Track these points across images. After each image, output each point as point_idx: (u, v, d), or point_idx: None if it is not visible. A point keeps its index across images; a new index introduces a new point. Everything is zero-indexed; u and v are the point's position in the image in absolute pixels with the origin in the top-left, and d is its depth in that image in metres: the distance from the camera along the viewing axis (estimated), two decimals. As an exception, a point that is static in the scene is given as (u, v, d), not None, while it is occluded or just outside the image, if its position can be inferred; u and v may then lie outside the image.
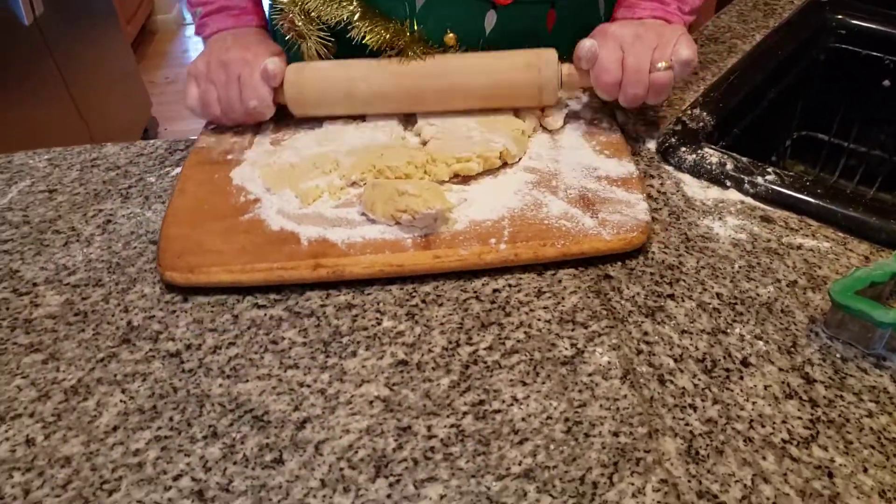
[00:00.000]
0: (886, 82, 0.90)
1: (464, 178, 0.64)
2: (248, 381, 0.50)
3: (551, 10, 0.72)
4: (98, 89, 2.12)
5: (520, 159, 0.66)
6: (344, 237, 0.58)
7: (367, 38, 0.69)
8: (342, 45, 0.72)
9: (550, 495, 0.42)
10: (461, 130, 0.67)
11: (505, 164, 0.65)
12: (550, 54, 0.66)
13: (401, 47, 0.69)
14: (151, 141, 0.76)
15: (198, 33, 0.75)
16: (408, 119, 0.72)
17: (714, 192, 0.64)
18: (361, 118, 0.72)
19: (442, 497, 0.42)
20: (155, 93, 2.66)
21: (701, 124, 0.72)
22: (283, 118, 0.73)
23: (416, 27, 0.70)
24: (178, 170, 0.72)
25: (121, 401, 0.49)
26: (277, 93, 0.69)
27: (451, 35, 0.71)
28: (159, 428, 0.47)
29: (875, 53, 0.89)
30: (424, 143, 0.67)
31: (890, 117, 0.91)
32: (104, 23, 2.21)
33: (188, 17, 3.45)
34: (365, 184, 0.63)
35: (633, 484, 0.42)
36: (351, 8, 0.69)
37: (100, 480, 0.44)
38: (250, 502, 0.42)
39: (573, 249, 0.56)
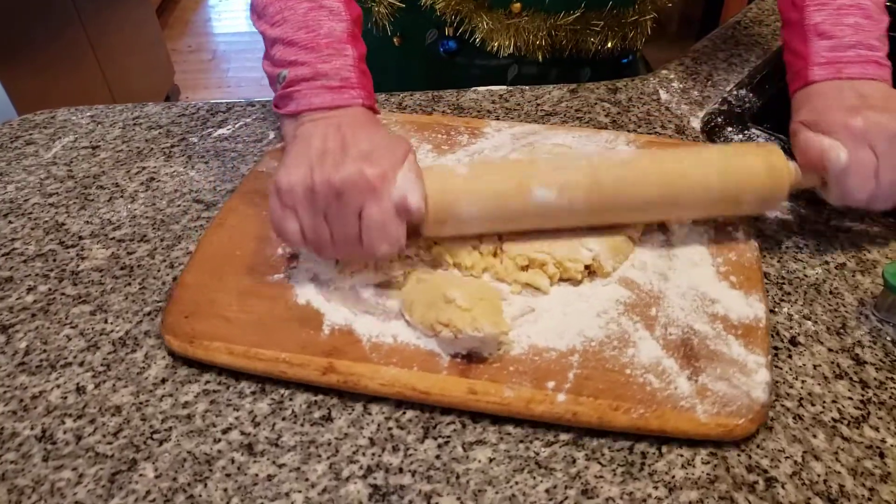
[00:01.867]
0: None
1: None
2: (295, 339, 0.50)
3: None
4: (124, 55, 2.12)
5: (617, 268, 0.52)
6: (372, 332, 0.48)
7: (437, 5, 0.73)
8: (408, 11, 0.74)
9: (599, 463, 0.42)
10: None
11: (593, 274, 0.52)
12: (779, 157, 0.51)
13: (465, 13, 0.72)
14: (193, 102, 0.76)
15: (277, 107, 0.53)
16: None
17: (761, 173, 0.63)
18: None
19: (490, 460, 0.42)
20: (178, 61, 2.66)
21: (747, 105, 0.71)
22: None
23: None
24: (221, 131, 0.72)
25: (168, 354, 0.49)
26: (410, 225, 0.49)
27: (517, 3, 0.73)
28: (207, 382, 0.48)
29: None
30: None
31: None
32: (131, -10, 2.21)
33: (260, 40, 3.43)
34: (418, 258, 0.52)
35: (682, 455, 0.42)
36: None
37: (150, 430, 0.45)
38: (299, 457, 0.43)
39: (651, 424, 0.42)
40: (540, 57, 0.77)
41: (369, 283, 0.51)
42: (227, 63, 2.86)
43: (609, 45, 0.77)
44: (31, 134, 0.72)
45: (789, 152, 0.53)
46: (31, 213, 0.62)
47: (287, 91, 0.52)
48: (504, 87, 0.76)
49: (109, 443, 0.44)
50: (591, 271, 0.51)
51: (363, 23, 0.61)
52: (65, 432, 0.45)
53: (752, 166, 0.51)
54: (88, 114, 0.75)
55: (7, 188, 0.65)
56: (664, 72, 0.78)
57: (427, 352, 0.47)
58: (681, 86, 0.76)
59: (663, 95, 0.75)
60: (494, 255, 0.52)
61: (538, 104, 0.74)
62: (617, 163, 0.52)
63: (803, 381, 0.46)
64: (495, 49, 0.75)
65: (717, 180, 0.50)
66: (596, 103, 0.74)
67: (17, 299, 0.54)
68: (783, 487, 0.40)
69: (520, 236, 0.52)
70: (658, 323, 0.48)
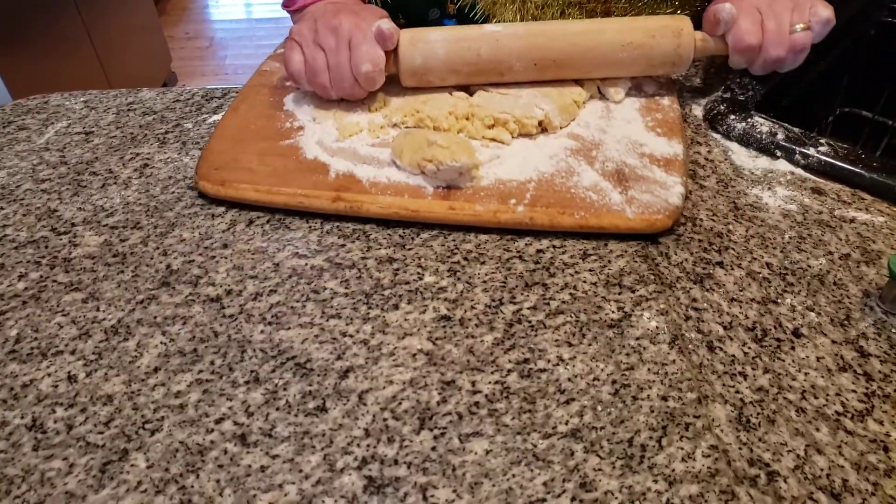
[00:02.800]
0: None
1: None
2: (289, 328, 0.49)
3: None
4: (120, 42, 2.10)
5: (565, 126, 0.64)
6: (370, 175, 0.58)
7: None
8: None
9: (598, 455, 0.41)
10: (512, 89, 0.65)
11: (545, 130, 0.63)
12: (686, 22, 0.63)
13: None
14: (188, 87, 0.75)
15: (286, 5, 0.71)
16: None
17: (763, 162, 0.62)
18: None
19: (487, 452, 0.42)
20: (174, 48, 2.64)
21: (750, 93, 0.70)
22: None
23: None
24: (216, 117, 0.71)
25: (161, 343, 0.49)
26: (388, 60, 0.63)
27: None
28: (200, 371, 0.47)
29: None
30: (471, 94, 0.66)
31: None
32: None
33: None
34: (404, 124, 0.63)
35: (682, 448, 0.41)
36: None
37: (142, 419, 0.44)
38: (293, 448, 0.42)
39: (591, 222, 0.54)
40: None
41: (365, 142, 0.61)
42: (224, 50, 2.84)
43: None
44: (23, 119, 0.71)
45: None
46: (22, 199, 0.61)
47: None
48: None
49: (101, 432, 0.43)
50: (543, 128, 0.63)
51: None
52: (55, 421, 0.44)
53: (663, 27, 0.62)
54: (82, 99, 0.74)
55: (-2, 174, 0.64)
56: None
57: (415, 185, 0.57)
58: (682, 73, 0.75)
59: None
60: (467, 118, 0.63)
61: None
62: (551, 34, 0.63)
63: (806, 374, 0.45)
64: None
65: (631, 39, 0.62)
66: (597, 91, 0.73)
67: (7, 286, 0.53)
68: (785, 482, 0.40)
69: (486, 100, 0.64)
70: (597, 160, 0.59)
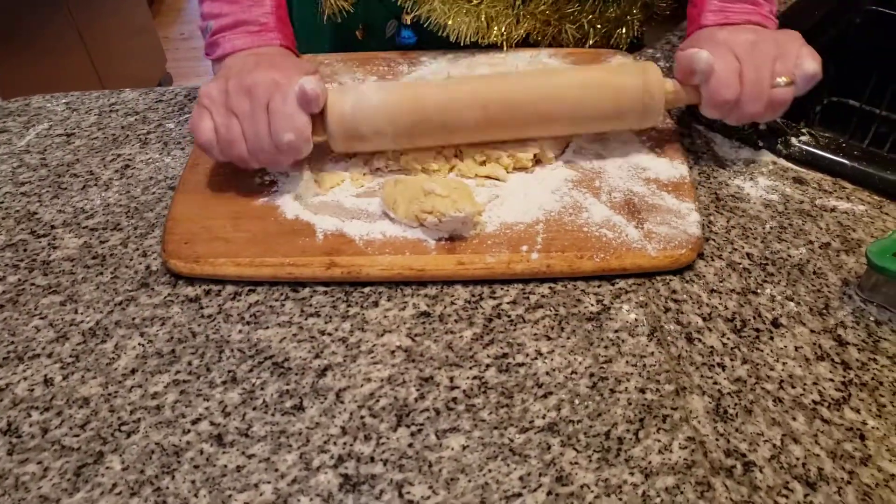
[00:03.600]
0: (926, 46, 0.86)
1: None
2: (268, 327, 0.49)
3: None
4: (113, 43, 2.10)
5: (559, 154, 0.60)
6: (362, 233, 0.53)
7: None
8: (364, 6, 0.71)
9: (575, 449, 0.41)
10: None
11: (540, 162, 0.59)
12: (654, 71, 0.56)
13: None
14: (170, 87, 0.75)
15: (208, 55, 0.61)
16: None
17: (745, 153, 0.62)
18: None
19: (464, 448, 0.41)
20: (169, 48, 2.63)
21: (761, 127, 0.69)
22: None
23: None
24: (197, 117, 0.70)
25: (139, 344, 0.48)
26: (316, 124, 0.55)
27: None
28: (178, 372, 0.47)
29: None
30: None
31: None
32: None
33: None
34: (389, 169, 0.59)
35: (659, 441, 0.41)
36: None
37: (118, 422, 0.44)
38: (270, 448, 0.42)
39: (613, 265, 0.50)
40: (505, 48, 0.71)
41: (349, 193, 0.57)
42: (218, 50, 2.83)
43: (590, 41, 0.73)
44: (4, 122, 0.71)
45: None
46: (1, 202, 0.61)
47: (213, 39, 0.60)
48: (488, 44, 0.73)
49: (76, 435, 0.43)
50: (537, 160, 0.59)
51: (326, 12, 0.70)
52: (30, 425, 0.44)
53: (631, 81, 0.56)
54: (64, 100, 0.74)
55: (-21, 178, 0.64)
56: (650, 51, 0.77)
57: (414, 240, 0.53)
58: (667, 65, 0.74)
59: (649, 75, 0.73)
60: (456, 156, 0.59)
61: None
62: (506, 82, 0.57)
63: (784, 364, 0.45)
64: (454, 36, 0.69)
65: (596, 95, 0.56)
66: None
67: (-14, 290, 0.53)
68: (761, 471, 0.40)
69: (474, 145, 0.59)
70: (602, 191, 0.56)
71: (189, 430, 0.43)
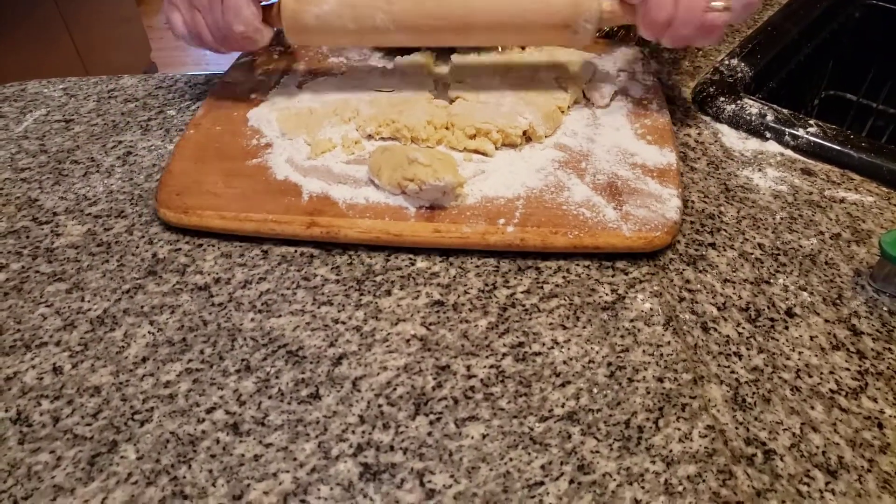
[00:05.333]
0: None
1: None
2: (280, 316, 0.48)
3: None
4: (98, 31, 2.06)
5: (550, 135, 0.60)
6: (346, 196, 0.54)
7: None
8: None
9: (595, 438, 0.41)
10: (493, 97, 0.62)
11: (530, 140, 0.60)
12: None
13: None
14: (170, 74, 0.73)
15: None
16: (439, 73, 0.67)
17: (753, 144, 0.62)
18: (390, 57, 0.69)
19: (484, 436, 0.41)
20: (154, 37, 2.59)
21: (739, 75, 0.70)
22: (319, 55, 0.70)
23: None
24: (199, 104, 0.69)
25: (149, 332, 0.48)
26: (271, 16, 0.58)
27: None
28: (190, 361, 0.46)
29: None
30: (452, 101, 0.63)
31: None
32: (105, -38, 2.14)
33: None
34: (379, 136, 0.60)
35: (679, 429, 0.41)
36: None
37: (131, 411, 0.43)
38: (287, 436, 0.41)
39: (585, 242, 0.51)
40: None
41: (340, 159, 0.58)
42: (206, 40, 2.80)
43: None
44: (0, 107, 0.69)
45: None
46: (1, 188, 0.60)
47: None
48: None
49: (88, 424, 0.42)
50: (528, 137, 0.59)
51: None
52: (41, 414, 0.43)
53: None
54: (61, 86, 0.72)
55: (-24, 163, 0.62)
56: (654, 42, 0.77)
57: (396, 207, 0.53)
58: (671, 56, 0.74)
59: (654, 65, 0.73)
60: (446, 128, 0.59)
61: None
62: None
63: (800, 353, 0.45)
64: None
65: (525, 7, 0.56)
66: (586, 74, 0.72)
67: (-12, 278, 0.52)
68: (782, 460, 0.40)
69: (466, 108, 0.60)
70: (587, 172, 0.56)
71: (204, 420, 0.42)
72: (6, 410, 0.43)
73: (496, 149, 0.58)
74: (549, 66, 0.66)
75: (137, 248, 0.54)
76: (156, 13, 2.94)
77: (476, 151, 0.58)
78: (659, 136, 0.60)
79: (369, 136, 0.60)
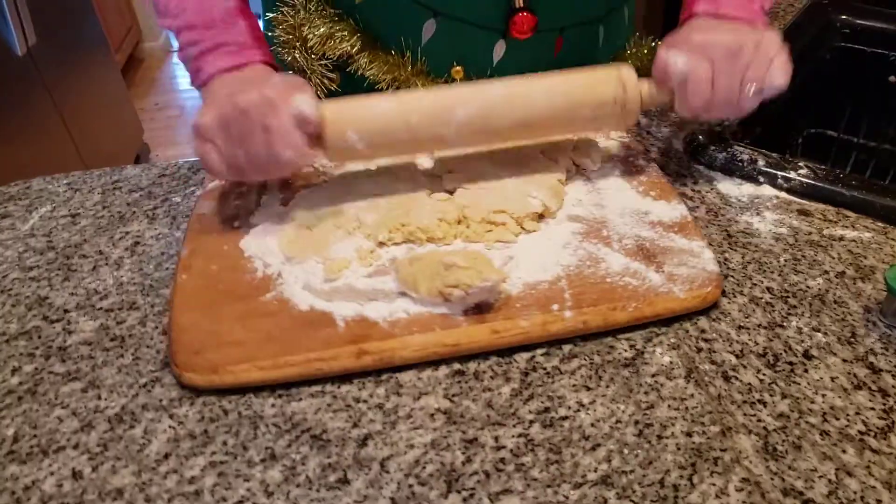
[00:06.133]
0: (892, 78, 0.91)
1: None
2: (301, 399, 0.48)
3: (559, 38, 0.70)
4: (90, 117, 2.10)
5: (559, 208, 0.60)
6: (384, 314, 0.51)
7: (367, 72, 0.68)
8: (344, 80, 0.70)
9: (631, 500, 0.40)
10: (491, 181, 0.60)
11: (543, 217, 0.59)
12: (629, 72, 0.57)
13: (403, 80, 0.68)
14: (172, 161, 0.75)
15: (194, 83, 0.61)
16: (430, 176, 0.63)
17: (748, 189, 0.64)
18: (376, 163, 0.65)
19: (519, 508, 0.41)
20: (145, 119, 2.64)
21: (726, 123, 0.72)
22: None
23: (419, 60, 0.68)
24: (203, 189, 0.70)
25: (169, 426, 0.47)
26: (311, 137, 0.56)
27: (458, 68, 0.69)
28: (213, 453, 0.45)
29: (880, 51, 0.90)
30: (451, 192, 0.61)
31: (896, 111, 0.92)
32: (95, 51, 2.20)
33: (175, 43, 3.44)
34: (392, 242, 0.57)
35: (714, 484, 0.41)
36: (351, 41, 0.67)
37: (156, 511, 0.42)
38: (318, 525, 0.41)
39: (646, 312, 0.50)
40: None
41: (360, 274, 0.54)
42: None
43: None
44: (5, 207, 0.70)
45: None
46: (10, 289, 0.60)
47: (196, 65, 0.60)
48: None
49: (114, 529, 0.41)
50: (541, 215, 0.59)
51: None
52: (65, 522, 0.42)
53: (607, 84, 0.57)
54: (65, 181, 0.73)
55: (-16, 266, 0.63)
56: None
57: (440, 315, 0.51)
58: (657, 109, 0.77)
59: (642, 120, 0.75)
60: (459, 222, 0.58)
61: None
62: (489, 87, 0.58)
63: (823, 395, 0.46)
64: None
65: (575, 99, 0.57)
66: (577, 132, 0.74)
67: (1, 382, 0.51)
68: (821, 509, 0.39)
69: (471, 198, 0.59)
70: (612, 240, 0.56)
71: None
72: (29, 521, 0.42)
73: (516, 235, 0.57)
74: (533, 144, 0.65)
75: (152, 339, 0.54)
76: (145, 96, 3.00)
77: (498, 241, 0.57)
78: (661, 190, 0.60)
79: (381, 244, 0.57)
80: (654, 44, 0.77)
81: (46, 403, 0.49)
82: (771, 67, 0.56)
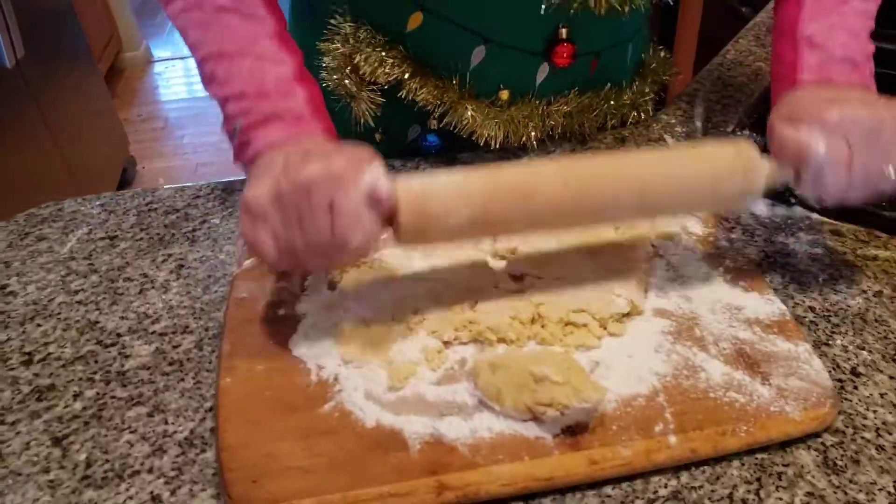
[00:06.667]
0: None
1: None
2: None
3: (595, 59, 0.72)
4: (78, 129, 2.07)
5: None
6: (463, 434, 0.45)
7: (418, 96, 0.69)
8: (389, 105, 0.71)
9: (706, 516, 0.42)
10: (564, 267, 0.54)
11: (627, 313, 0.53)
12: (752, 153, 0.50)
13: (451, 103, 0.69)
14: (205, 182, 0.75)
15: (238, 158, 0.54)
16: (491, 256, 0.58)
17: (780, 210, 0.66)
18: None
19: (598, 526, 0.42)
20: (129, 131, 2.60)
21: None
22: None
23: (468, 83, 0.70)
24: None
25: None
26: (382, 219, 0.47)
27: (505, 91, 0.71)
28: (287, 475, 0.46)
29: (889, 71, 0.94)
30: (517, 277, 0.56)
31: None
32: (80, 62, 2.18)
33: (156, 53, 3.41)
34: (458, 341, 0.51)
35: (781, 499, 0.43)
36: (403, 67, 0.69)
37: (238, 535, 0.43)
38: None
39: (759, 438, 0.45)
40: (534, 144, 0.72)
41: (429, 380, 0.49)
42: (181, 130, 2.83)
43: (608, 126, 0.77)
44: (40, 229, 0.70)
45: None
46: (58, 313, 0.60)
47: (244, 138, 0.53)
48: (511, 144, 0.76)
49: (199, 554, 0.42)
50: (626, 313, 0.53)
51: (346, 118, 0.67)
52: (149, 549, 0.42)
53: (729, 164, 0.50)
54: (98, 203, 0.73)
55: (27, 289, 0.62)
56: (664, 117, 0.82)
57: (527, 438, 0.45)
58: (683, 130, 0.79)
59: (669, 140, 0.78)
60: (533, 321, 0.52)
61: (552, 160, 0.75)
62: (591, 161, 0.51)
63: (875, 411, 0.48)
64: (483, 141, 0.70)
65: (697, 180, 0.50)
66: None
67: (64, 408, 0.51)
68: (886, 521, 0.41)
69: (544, 293, 0.53)
70: (707, 342, 0.51)
71: (317, 537, 0.42)
72: (112, 548, 0.42)
73: (599, 339, 0.51)
74: None
75: (210, 363, 0.54)
76: (127, 107, 2.97)
77: (581, 346, 0.51)
78: (750, 279, 0.55)
79: (445, 343, 0.51)
80: (662, 54, 0.80)
81: (114, 428, 0.50)
82: None
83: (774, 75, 0.61)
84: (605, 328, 0.52)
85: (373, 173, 0.46)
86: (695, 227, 0.60)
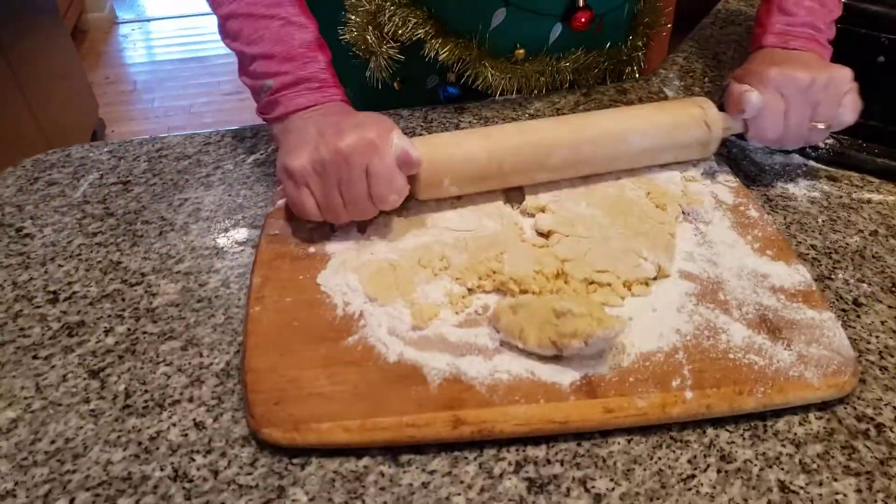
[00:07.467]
0: (881, 58, 0.98)
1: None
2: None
3: (601, 20, 0.76)
4: (48, 89, 2.01)
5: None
6: (482, 373, 0.46)
7: (440, 55, 0.72)
8: (407, 63, 0.74)
9: (727, 430, 0.45)
10: (592, 227, 0.56)
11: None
12: (713, 110, 0.61)
13: (471, 60, 0.73)
14: (215, 130, 0.75)
15: (263, 113, 0.59)
16: (510, 194, 0.61)
17: (779, 157, 0.69)
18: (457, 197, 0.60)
19: (629, 441, 0.45)
20: (98, 93, 2.54)
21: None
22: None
23: (486, 44, 0.73)
24: (255, 156, 0.71)
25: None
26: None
27: (521, 50, 0.74)
28: (327, 402, 0.47)
29: (871, 32, 0.98)
30: (544, 234, 0.57)
31: (884, 90, 1.00)
32: (47, 20, 2.10)
33: (121, 14, 3.30)
34: (481, 289, 0.52)
35: (796, 414, 0.46)
36: (426, 28, 0.71)
37: (289, 456, 0.44)
38: (448, 461, 0.44)
39: (776, 400, 0.45)
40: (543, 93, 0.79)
41: (451, 322, 0.50)
42: (150, 93, 2.76)
43: (608, 80, 0.82)
44: (49, 174, 0.69)
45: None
46: (79, 254, 0.59)
47: (274, 98, 0.58)
48: (521, 95, 0.79)
49: (249, 473, 0.43)
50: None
51: (362, 72, 0.72)
52: (198, 469, 0.44)
53: (694, 117, 0.61)
54: (106, 149, 0.72)
55: (44, 231, 0.62)
56: (663, 71, 0.84)
57: (545, 382, 0.46)
58: (682, 83, 0.82)
59: (669, 93, 0.80)
60: (557, 276, 0.53)
61: (556, 109, 0.77)
62: (586, 121, 0.61)
63: (877, 337, 0.51)
64: (497, 93, 0.76)
65: (660, 128, 0.60)
66: (609, 104, 0.78)
67: (97, 342, 0.52)
68: (892, 430, 0.45)
69: (570, 249, 0.54)
70: (731, 306, 0.51)
71: (363, 455, 0.44)
72: (161, 469, 0.44)
73: (622, 298, 0.52)
74: (634, 181, 0.62)
75: (239, 300, 0.55)
76: (93, 69, 2.88)
77: (603, 304, 0.51)
78: (778, 248, 0.56)
79: (469, 290, 0.53)
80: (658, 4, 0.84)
81: (149, 361, 0.50)
82: (842, 105, 0.59)
83: (752, 36, 0.69)
84: (629, 289, 0.52)
85: (401, 139, 0.53)
86: (725, 195, 0.61)
